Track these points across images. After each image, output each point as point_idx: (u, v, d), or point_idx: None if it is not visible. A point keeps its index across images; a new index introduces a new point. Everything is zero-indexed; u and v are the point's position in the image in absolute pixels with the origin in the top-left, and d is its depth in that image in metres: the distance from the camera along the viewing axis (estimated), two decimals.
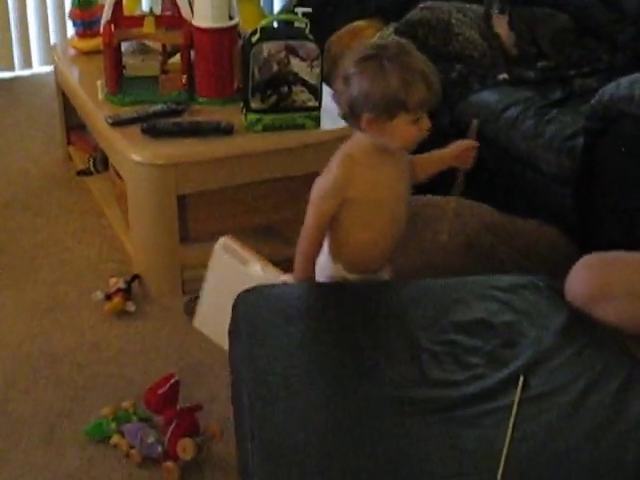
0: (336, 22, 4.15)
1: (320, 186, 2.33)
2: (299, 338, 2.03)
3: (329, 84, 3.92)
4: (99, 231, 3.60)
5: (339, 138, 3.07)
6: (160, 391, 2.50)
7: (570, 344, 2.02)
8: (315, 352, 2.01)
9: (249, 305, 2.15)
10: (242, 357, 2.03)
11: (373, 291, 2.21)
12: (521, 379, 1.89)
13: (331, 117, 3.16)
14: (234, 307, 2.17)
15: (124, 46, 3.61)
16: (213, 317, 2.59)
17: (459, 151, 2.47)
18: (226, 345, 2.19)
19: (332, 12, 4.19)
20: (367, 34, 3.98)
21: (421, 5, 3.85)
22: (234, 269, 2.53)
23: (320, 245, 2.37)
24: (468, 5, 3.85)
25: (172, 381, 2.51)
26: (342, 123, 3.17)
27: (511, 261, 2.77)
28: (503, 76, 3.54)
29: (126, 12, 4.00)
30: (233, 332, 2.14)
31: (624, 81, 2.83)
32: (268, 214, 3.39)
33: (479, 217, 2.91)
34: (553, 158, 3.09)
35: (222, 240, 2.59)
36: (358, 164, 2.30)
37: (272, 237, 3.39)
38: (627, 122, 2.83)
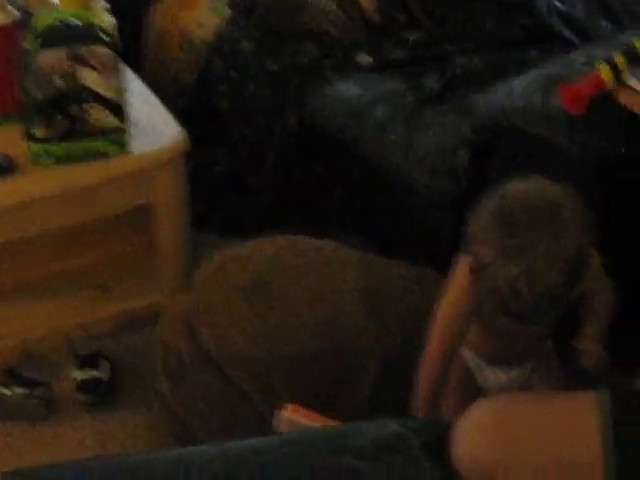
0: None
1: None
2: None
3: (156, 73, 3.18)
4: None
5: (155, 164, 2.37)
6: None
7: None
8: None
9: None
10: None
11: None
12: None
13: (144, 137, 2.42)
14: None
15: None
16: None
17: None
18: None
19: None
20: (200, 3, 3.19)
21: None
22: None
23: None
24: None
25: None
26: (158, 143, 2.48)
27: (380, 344, 2.09)
28: (366, 59, 2.79)
29: None
30: None
31: (518, 87, 2.14)
32: (78, 258, 2.65)
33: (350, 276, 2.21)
34: (429, 177, 2.39)
35: (282, 417, 1.89)
36: None
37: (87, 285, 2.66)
38: (523, 139, 2.14)
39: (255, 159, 2.90)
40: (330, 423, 1.84)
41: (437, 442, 1.52)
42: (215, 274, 2.26)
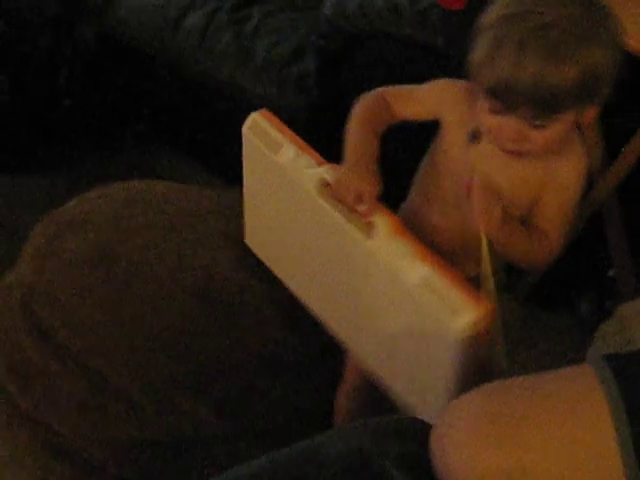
0: None
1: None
2: None
3: None
4: None
5: None
6: None
7: None
8: None
9: None
10: None
11: None
12: None
13: None
14: None
15: None
16: (261, 231, 1.72)
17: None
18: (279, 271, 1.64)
19: None
20: None
21: None
22: (265, 160, 1.57)
23: (379, 117, 1.48)
24: None
25: None
26: None
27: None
28: None
29: None
30: None
31: None
32: None
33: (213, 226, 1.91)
34: (273, 90, 2.08)
35: (252, 117, 1.61)
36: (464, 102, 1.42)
37: None
38: (387, 43, 1.86)
39: (43, 83, 2.49)
40: (299, 143, 1.55)
41: (416, 452, 1.28)
42: (49, 246, 1.90)
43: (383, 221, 1.40)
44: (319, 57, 1.99)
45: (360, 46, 1.90)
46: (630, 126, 1.80)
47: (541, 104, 1.29)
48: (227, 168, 2.26)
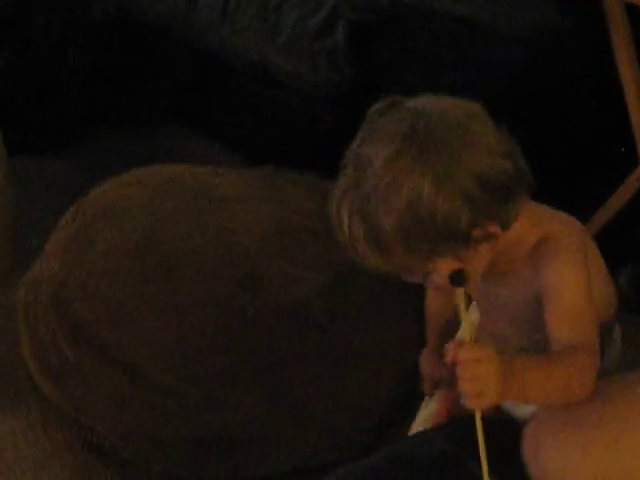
0: None
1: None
2: None
3: None
4: None
5: None
6: None
7: None
8: None
9: None
10: None
11: None
12: None
13: None
14: None
15: None
16: None
17: None
18: None
19: None
20: None
21: None
22: None
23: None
24: None
25: None
26: None
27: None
28: None
29: None
30: None
31: None
32: None
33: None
34: (302, 68, 2.01)
35: None
36: None
37: None
38: (427, 18, 1.80)
39: (54, 64, 2.39)
40: None
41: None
42: (81, 236, 1.83)
43: None
44: (350, 32, 1.92)
45: (396, 21, 1.83)
46: None
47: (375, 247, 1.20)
48: (250, 146, 2.20)
